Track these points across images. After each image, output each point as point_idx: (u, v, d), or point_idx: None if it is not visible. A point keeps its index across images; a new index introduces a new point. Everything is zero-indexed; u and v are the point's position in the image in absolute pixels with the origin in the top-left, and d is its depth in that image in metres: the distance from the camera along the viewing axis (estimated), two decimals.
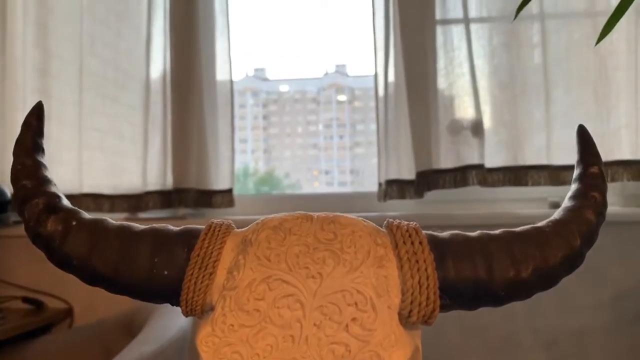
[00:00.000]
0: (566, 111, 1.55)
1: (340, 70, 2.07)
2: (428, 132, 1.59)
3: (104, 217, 0.55)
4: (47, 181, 0.55)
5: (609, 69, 1.50)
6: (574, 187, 0.57)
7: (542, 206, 1.63)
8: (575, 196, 0.55)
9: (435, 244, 0.50)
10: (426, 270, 0.48)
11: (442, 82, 1.60)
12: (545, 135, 1.55)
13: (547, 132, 1.55)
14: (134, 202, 1.69)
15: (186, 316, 0.51)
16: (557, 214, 0.54)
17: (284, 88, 2.15)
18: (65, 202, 0.55)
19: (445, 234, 0.52)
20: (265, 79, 2.11)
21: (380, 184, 1.62)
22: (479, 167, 1.56)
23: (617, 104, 1.49)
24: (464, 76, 1.57)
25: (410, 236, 0.50)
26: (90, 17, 1.74)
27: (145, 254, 0.50)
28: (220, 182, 1.68)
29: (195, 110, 1.68)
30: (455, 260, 0.49)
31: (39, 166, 0.56)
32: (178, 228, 0.54)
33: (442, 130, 1.60)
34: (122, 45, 1.75)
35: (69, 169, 1.71)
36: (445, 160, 1.59)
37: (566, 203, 0.55)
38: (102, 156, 1.73)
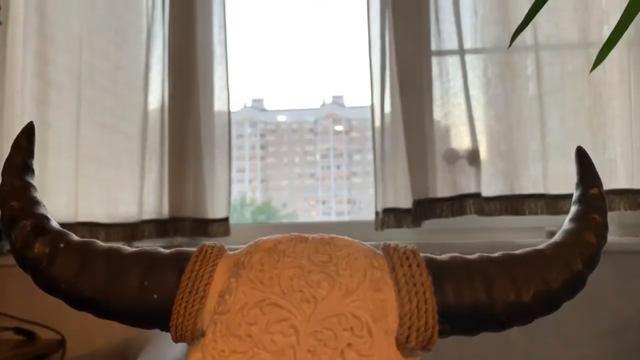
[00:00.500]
0: (562, 141, 1.56)
1: (337, 101, 2.09)
2: (424, 161, 1.60)
3: (93, 239, 0.53)
4: (35, 202, 0.54)
5: (604, 99, 1.52)
6: (573, 209, 0.56)
7: (539, 235, 1.63)
8: (575, 218, 0.54)
9: (434, 266, 0.49)
10: (424, 293, 0.46)
11: (438, 112, 1.61)
12: (541, 165, 1.56)
13: (543, 162, 1.55)
14: (129, 231, 1.68)
15: (176, 342, 0.49)
16: (557, 236, 0.53)
17: (281, 118, 2.16)
18: (54, 223, 0.54)
19: (444, 256, 0.51)
20: (263, 110, 2.13)
21: (377, 213, 1.62)
22: (476, 196, 1.56)
23: (612, 133, 1.50)
24: (460, 106, 1.58)
25: (407, 258, 0.49)
26: (89, 48, 1.76)
27: (134, 276, 0.49)
28: (216, 211, 1.68)
29: (192, 140, 1.68)
30: (454, 284, 0.47)
31: (28, 187, 0.54)
32: (169, 250, 0.53)
33: (438, 159, 1.60)
34: (120, 74, 1.76)
35: (65, 198, 1.70)
36: (442, 189, 1.59)
37: (566, 225, 0.54)
38: (98, 185, 1.73)
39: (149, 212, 1.68)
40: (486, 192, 1.56)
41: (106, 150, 1.74)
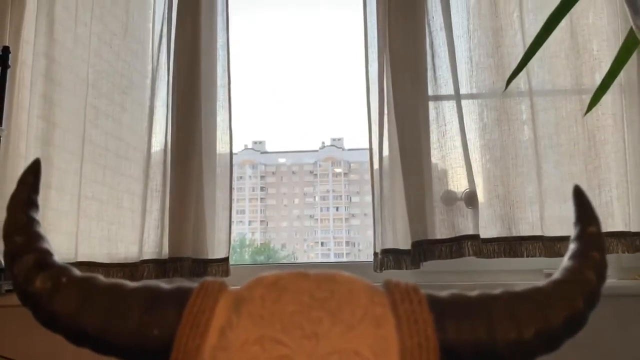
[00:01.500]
0: (558, 184, 1.58)
1: (337, 143, 2.13)
2: (422, 203, 1.61)
3: (95, 275, 0.53)
4: (38, 237, 0.54)
5: (598, 143, 1.55)
6: (572, 247, 0.56)
7: (538, 277, 1.63)
8: (574, 256, 0.54)
9: (435, 304, 0.48)
10: (426, 331, 0.46)
11: (435, 155, 1.64)
12: (538, 208, 1.58)
13: (539, 205, 1.57)
14: (129, 271, 1.68)
15: None
16: (557, 273, 0.53)
17: (281, 160, 2.19)
18: (56, 259, 0.54)
19: (445, 293, 0.51)
20: (264, 152, 2.16)
21: (376, 254, 1.62)
22: (474, 237, 1.57)
23: (608, 176, 1.53)
24: (457, 149, 1.61)
25: (408, 295, 0.49)
26: (95, 91, 1.80)
27: (134, 311, 0.49)
28: (216, 251, 1.68)
29: (194, 181, 1.70)
30: (455, 321, 0.47)
31: (32, 222, 0.55)
32: (170, 286, 0.53)
33: (436, 201, 1.62)
34: (125, 117, 1.80)
35: (66, 237, 1.71)
36: (441, 231, 1.60)
37: (565, 263, 0.54)
38: (99, 224, 1.74)
39: (149, 252, 1.69)
40: (484, 234, 1.57)
41: (108, 191, 1.76)
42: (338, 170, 2.12)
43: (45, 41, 1.81)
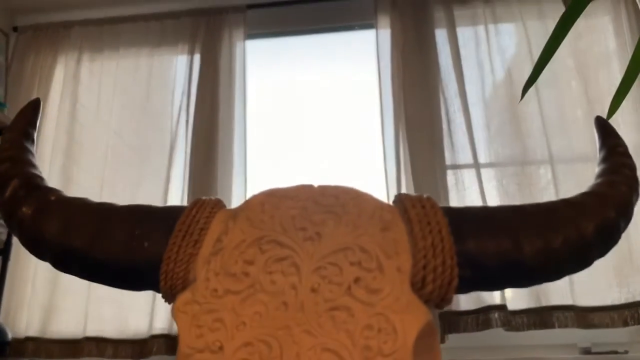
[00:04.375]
0: None
1: None
2: None
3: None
4: (30, 164, 0.53)
5: None
6: (600, 167, 0.52)
7: (571, 352, 1.52)
8: (604, 173, 0.50)
9: (451, 212, 0.44)
10: (440, 232, 0.41)
11: None
12: (567, 277, 1.50)
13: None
14: (138, 347, 1.60)
15: (165, 296, 0.44)
16: (587, 188, 0.49)
17: None
18: (46, 183, 0.53)
19: (463, 207, 0.47)
20: None
21: None
22: (502, 308, 1.49)
23: (637, 239, 1.47)
24: None
25: (420, 201, 0.44)
26: (112, 167, 1.81)
27: (124, 225, 0.46)
28: None
29: None
30: (475, 230, 0.43)
31: (26, 151, 0.54)
32: (162, 206, 0.50)
33: None
34: (141, 190, 1.79)
35: (74, 315, 1.67)
36: (467, 302, 1.52)
37: (596, 180, 0.51)
38: (110, 302, 1.69)
39: (160, 327, 1.62)
40: (512, 306, 1.50)
41: None
42: None
43: (67, 120, 1.86)
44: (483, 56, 1.73)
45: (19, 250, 1.76)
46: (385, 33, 1.81)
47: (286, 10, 1.99)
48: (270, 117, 1.92)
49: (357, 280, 0.38)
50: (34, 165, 0.54)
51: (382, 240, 0.40)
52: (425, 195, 0.46)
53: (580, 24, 1.70)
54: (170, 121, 1.83)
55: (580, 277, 1.49)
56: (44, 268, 1.75)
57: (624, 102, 0.78)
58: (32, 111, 0.57)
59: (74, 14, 2.02)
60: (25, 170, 0.52)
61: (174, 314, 0.40)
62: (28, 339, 1.65)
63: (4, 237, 1.75)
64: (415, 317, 0.37)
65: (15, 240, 1.77)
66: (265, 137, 1.89)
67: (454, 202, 1.61)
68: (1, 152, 0.53)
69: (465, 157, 1.64)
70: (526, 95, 1.65)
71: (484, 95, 1.70)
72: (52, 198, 0.50)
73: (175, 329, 1.62)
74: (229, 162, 1.77)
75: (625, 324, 1.43)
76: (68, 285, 1.70)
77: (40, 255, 0.49)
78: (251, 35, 1.95)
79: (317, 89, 1.90)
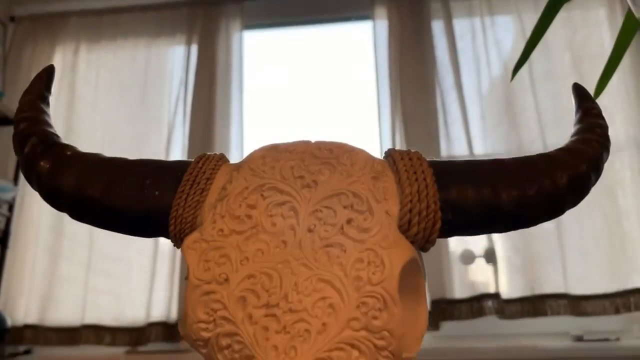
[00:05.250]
0: (578, 240, 1.54)
1: None
2: (440, 261, 1.57)
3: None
4: (47, 124, 0.56)
5: (618, 196, 1.52)
6: (576, 127, 0.57)
7: (564, 340, 1.54)
8: (578, 132, 0.55)
9: (436, 164, 0.49)
10: (425, 179, 0.46)
11: None
12: (560, 265, 1.53)
13: (562, 262, 1.52)
14: (135, 335, 1.62)
15: (174, 240, 0.48)
16: (563, 145, 0.54)
17: None
18: (62, 140, 0.56)
19: (447, 160, 0.51)
20: None
21: None
22: (495, 296, 1.51)
23: (630, 229, 1.49)
24: None
25: (408, 154, 0.49)
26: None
27: (137, 176, 0.50)
28: None
29: None
30: (457, 180, 0.47)
31: (42, 112, 0.57)
32: (171, 161, 0.54)
33: (454, 259, 1.58)
34: None
35: (72, 303, 1.68)
36: (461, 290, 1.54)
37: (570, 138, 0.55)
38: (107, 292, 1.70)
39: (157, 315, 1.63)
40: (506, 294, 1.52)
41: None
42: None
43: (65, 110, 1.87)
44: (479, 48, 1.75)
45: (17, 239, 1.78)
46: (382, 24, 1.82)
47: (283, 2, 2.00)
48: (267, 108, 1.94)
49: (349, 221, 0.43)
50: (50, 125, 0.57)
51: (373, 187, 0.45)
52: (412, 150, 0.51)
53: (576, 18, 1.72)
54: (168, 111, 1.84)
55: (574, 266, 1.52)
56: (42, 256, 1.77)
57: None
58: (47, 76, 0.61)
59: (72, 4, 2.03)
60: (42, 129, 0.55)
61: (184, 250, 0.44)
62: (26, 327, 1.66)
63: (2, 225, 1.76)
64: (401, 251, 0.42)
65: (14, 229, 1.78)
66: (263, 128, 1.90)
67: None
68: (19, 113, 0.57)
69: (461, 148, 1.66)
70: (522, 87, 1.68)
71: (480, 87, 1.71)
72: (68, 153, 0.53)
73: (172, 317, 1.64)
74: (227, 152, 1.78)
75: (617, 311, 1.46)
76: (66, 274, 1.72)
77: (58, 206, 0.52)
78: (248, 26, 1.95)
79: (314, 80, 1.91)
